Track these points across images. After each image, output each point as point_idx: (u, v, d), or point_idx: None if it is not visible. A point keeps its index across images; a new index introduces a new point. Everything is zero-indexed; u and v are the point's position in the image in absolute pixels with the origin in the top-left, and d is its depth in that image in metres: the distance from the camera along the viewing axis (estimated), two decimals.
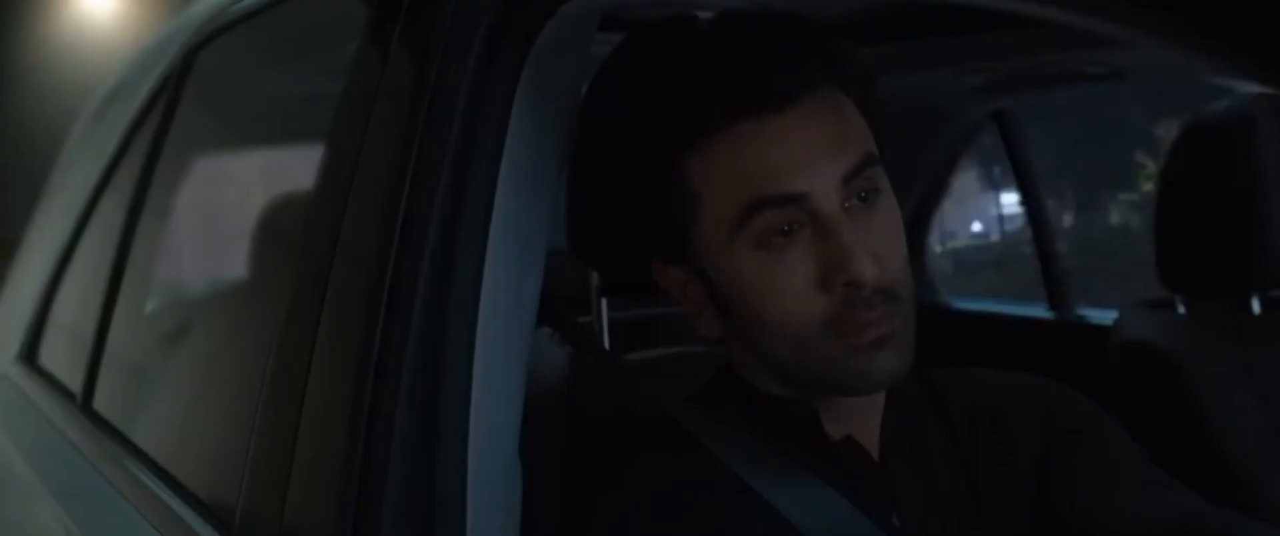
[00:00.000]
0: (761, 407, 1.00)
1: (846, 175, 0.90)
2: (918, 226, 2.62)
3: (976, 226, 7.30)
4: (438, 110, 0.96)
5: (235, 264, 1.44)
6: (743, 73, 0.91)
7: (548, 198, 0.99)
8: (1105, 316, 2.07)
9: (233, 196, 1.52)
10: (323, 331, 0.99)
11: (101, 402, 1.63)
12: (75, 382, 1.71)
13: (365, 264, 0.96)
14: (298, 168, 1.21)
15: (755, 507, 0.94)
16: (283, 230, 1.27)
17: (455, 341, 0.91)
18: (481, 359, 0.92)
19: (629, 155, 0.95)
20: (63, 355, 1.90)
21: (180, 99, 1.69)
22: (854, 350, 0.91)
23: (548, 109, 0.98)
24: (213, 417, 1.30)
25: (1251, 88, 1.46)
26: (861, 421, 1.00)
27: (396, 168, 0.96)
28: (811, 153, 0.90)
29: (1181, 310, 1.64)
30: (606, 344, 1.28)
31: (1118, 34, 0.59)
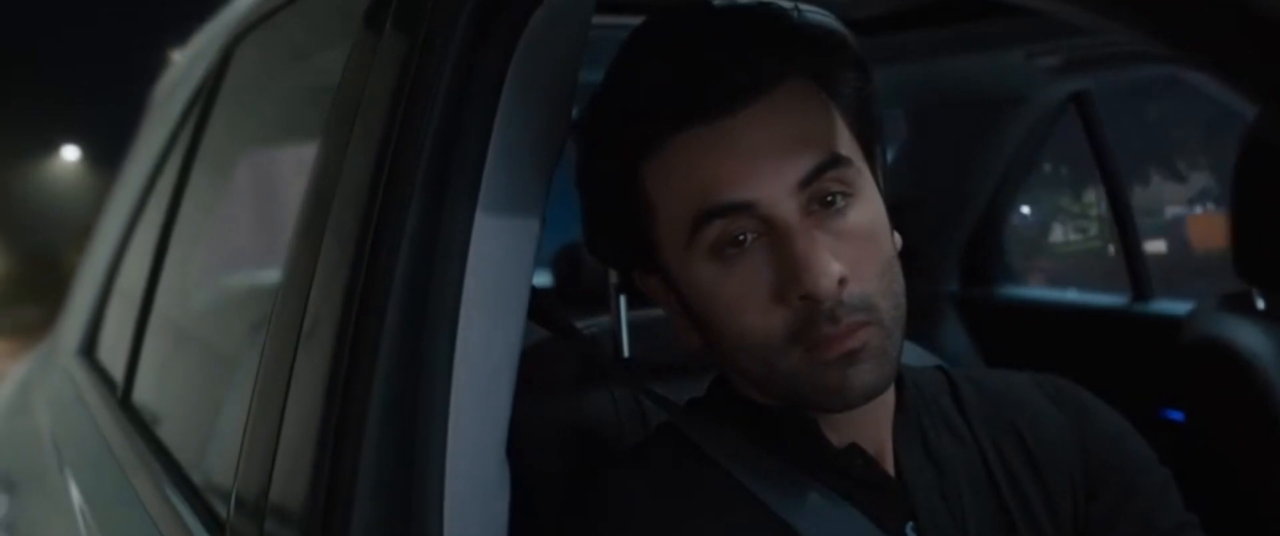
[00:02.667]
0: (758, 417, 0.94)
1: (803, 179, 0.84)
2: (995, 215, 2.53)
3: None
4: (418, 98, 0.92)
5: (258, 258, 1.42)
6: (696, 74, 0.84)
7: (541, 189, 0.94)
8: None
9: (262, 190, 1.50)
10: (306, 326, 0.96)
11: (138, 397, 1.64)
12: (117, 377, 1.72)
13: (344, 258, 0.93)
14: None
15: (761, 519, 0.89)
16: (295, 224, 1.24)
17: (434, 339, 0.88)
18: (464, 356, 0.88)
19: (595, 163, 0.92)
20: (111, 349, 1.92)
21: (218, 94, 1.69)
22: (821, 365, 0.85)
23: (541, 95, 0.93)
24: (221, 411, 1.29)
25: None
26: (867, 427, 0.93)
27: (377, 158, 0.93)
28: (761, 157, 0.83)
29: (1260, 305, 1.53)
30: (625, 343, 1.23)
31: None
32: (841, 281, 0.83)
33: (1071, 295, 2.60)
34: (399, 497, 0.85)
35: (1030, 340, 2.33)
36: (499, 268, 0.91)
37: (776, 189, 0.83)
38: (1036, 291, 2.61)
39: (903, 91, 2.43)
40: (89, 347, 2.07)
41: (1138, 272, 2.26)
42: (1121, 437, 0.99)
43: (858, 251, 0.85)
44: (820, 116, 0.87)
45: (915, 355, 1.22)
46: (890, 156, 2.57)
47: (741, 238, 0.84)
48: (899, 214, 2.51)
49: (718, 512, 0.90)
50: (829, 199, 0.85)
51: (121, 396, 1.67)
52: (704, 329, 0.90)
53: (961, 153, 2.47)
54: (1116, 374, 1.97)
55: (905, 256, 2.45)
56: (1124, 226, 2.31)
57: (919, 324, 2.24)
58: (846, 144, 0.87)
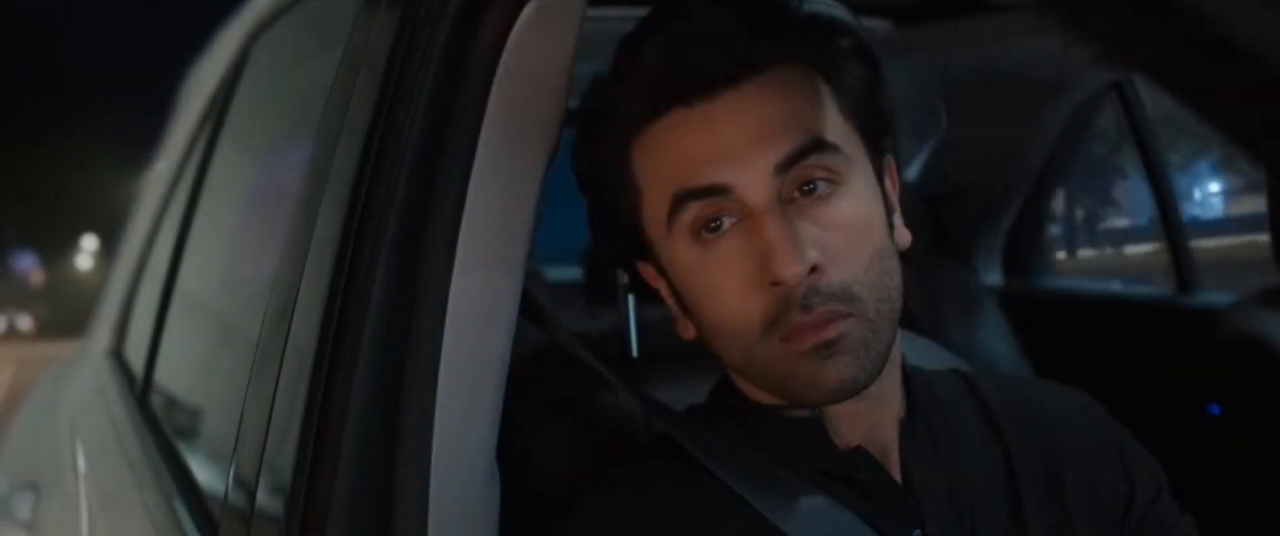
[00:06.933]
0: (760, 417, 0.91)
1: (780, 163, 0.82)
2: (1034, 206, 2.47)
3: None
4: (405, 90, 0.89)
5: (268, 256, 1.41)
6: (680, 57, 0.84)
7: (534, 184, 0.92)
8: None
9: (274, 188, 1.48)
10: (294, 324, 0.95)
11: (154, 394, 1.64)
12: (137, 375, 1.72)
13: (329, 255, 0.91)
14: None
15: (757, 530, 0.86)
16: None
17: (418, 338, 0.86)
18: (451, 356, 0.86)
19: (589, 148, 0.91)
20: (134, 347, 1.92)
21: (236, 91, 1.68)
22: (797, 355, 0.82)
23: (534, 88, 0.91)
24: (226, 410, 1.28)
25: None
26: (873, 430, 0.90)
27: (362, 152, 0.91)
28: (739, 140, 0.82)
29: None
30: (634, 343, 1.21)
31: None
32: (816, 269, 0.81)
33: (1115, 287, 2.54)
34: (380, 500, 0.83)
35: (1073, 332, 2.28)
36: (488, 264, 0.89)
37: (752, 172, 0.82)
38: (1079, 283, 2.55)
39: (942, 81, 2.38)
40: (117, 346, 2.08)
41: (1182, 264, 2.20)
42: (1162, 487, 0.97)
43: (840, 240, 0.83)
44: (808, 102, 0.85)
45: (933, 355, 1.18)
46: (931, 147, 2.54)
47: (717, 222, 0.83)
48: (939, 205, 2.47)
49: (709, 526, 0.87)
50: (810, 185, 0.83)
51: (139, 393, 1.67)
52: (691, 316, 0.89)
53: (1001, 143, 2.42)
54: (1160, 368, 1.93)
55: (945, 248, 2.39)
56: (1168, 217, 2.25)
57: (960, 315, 2.20)
58: (837, 131, 0.85)
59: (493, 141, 0.88)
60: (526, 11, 0.89)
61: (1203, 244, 2.48)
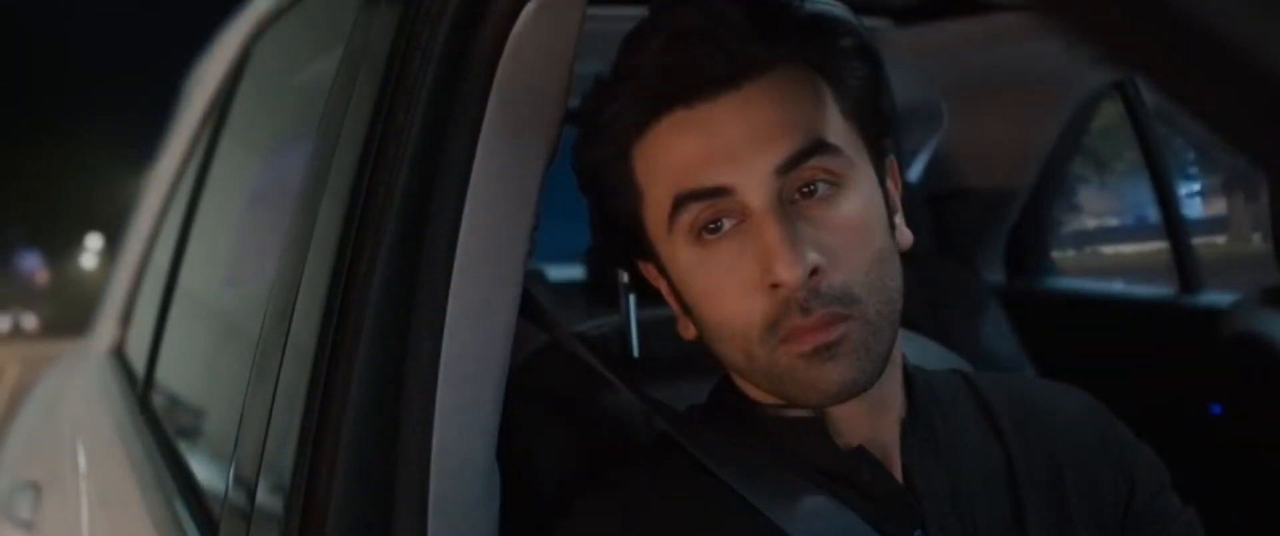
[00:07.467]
0: (760, 417, 0.91)
1: (780, 165, 0.82)
2: (1035, 206, 2.47)
3: None
4: (403, 89, 0.89)
5: (269, 256, 1.41)
6: (681, 58, 0.83)
7: (533, 184, 0.92)
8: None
9: (274, 189, 1.49)
10: (293, 325, 0.95)
11: (155, 395, 1.64)
12: (138, 374, 1.72)
13: (328, 255, 0.91)
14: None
15: (757, 530, 0.86)
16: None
17: (418, 338, 0.86)
18: (451, 357, 0.86)
19: (591, 148, 0.90)
20: (136, 346, 1.92)
21: (237, 90, 1.68)
22: (796, 358, 0.82)
23: (534, 88, 0.91)
24: (226, 410, 1.28)
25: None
26: (874, 430, 0.90)
27: (361, 153, 0.91)
28: (740, 142, 0.82)
29: None
30: (635, 343, 1.21)
31: None
32: (816, 271, 0.81)
33: (1117, 286, 2.54)
34: (380, 500, 0.83)
35: (1075, 331, 2.28)
36: (488, 264, 0.89)
37: (753, 174, 0.82)
38: (1082, 282, 2.55)
39: (944, 82, 2.39)
40: (119, 345, 2.08)
41: (1185, 264, 2.20)
42: (1164, 483, 0.97)
43: (840, 242, 0.82)
44: (808, 104, 0.84)
45: (935, 355, 1.18)
46: (933, 147, 2.54)
47: (717, 224, 0.83)
48: (942, 205, 2.46)
49: (710, 526, 0.87)
50: (810, 187, 0.83)
51: (140, 393, 1.67)
52: (692, 316, 0.89)
53: (1004, 142, 2.42)
54: (1162, 367, 1.93)
55: (947, 248, 2.38)
56: (1170, 217, 2.25)
57: (962, 315, 2.20)
58: (838, 132, 0.85)
59: (493, 141, 0.88)
60: (527, 11, 0.89)
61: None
